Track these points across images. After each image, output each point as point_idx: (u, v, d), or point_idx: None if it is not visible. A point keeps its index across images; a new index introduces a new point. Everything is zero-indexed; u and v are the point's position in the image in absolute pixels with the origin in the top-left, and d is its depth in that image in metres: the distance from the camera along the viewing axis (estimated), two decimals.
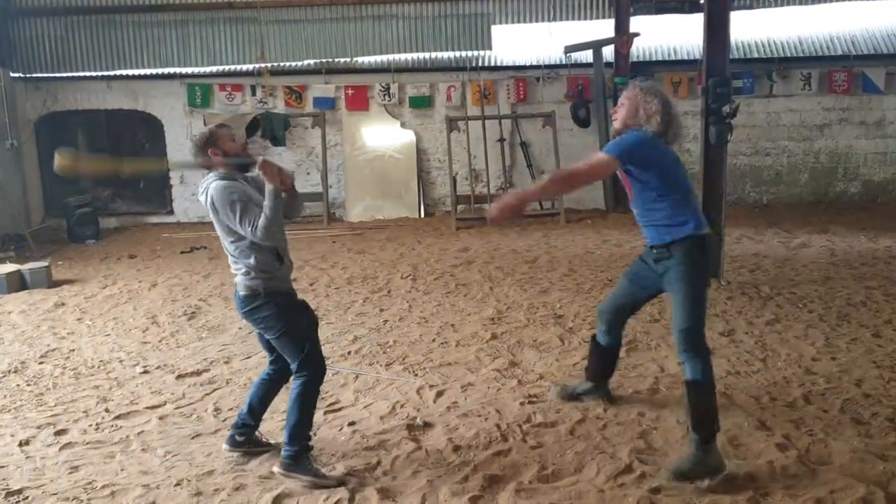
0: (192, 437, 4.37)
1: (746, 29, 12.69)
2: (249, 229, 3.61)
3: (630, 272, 4.28)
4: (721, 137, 7.24)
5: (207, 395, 5.05)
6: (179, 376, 5.41)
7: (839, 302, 6.73)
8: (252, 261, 3.72)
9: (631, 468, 3.75)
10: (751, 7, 13.08)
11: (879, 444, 3.91)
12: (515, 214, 3.76)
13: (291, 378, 3.86)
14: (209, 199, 3.71)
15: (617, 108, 4.02)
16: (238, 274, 3.80)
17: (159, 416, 4.70)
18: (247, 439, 4.07)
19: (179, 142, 13.17)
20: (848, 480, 3.52)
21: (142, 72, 13.13)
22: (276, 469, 3.79)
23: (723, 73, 7.26)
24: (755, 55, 12.83)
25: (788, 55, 12.73)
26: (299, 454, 3.75)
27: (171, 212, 13.45)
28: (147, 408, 4.84)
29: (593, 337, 4.56)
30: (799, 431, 4.10)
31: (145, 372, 5.53)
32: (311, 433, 3.86)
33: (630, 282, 4.25)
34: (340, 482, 3.70)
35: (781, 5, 13.07)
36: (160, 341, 6.32)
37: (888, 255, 8.75)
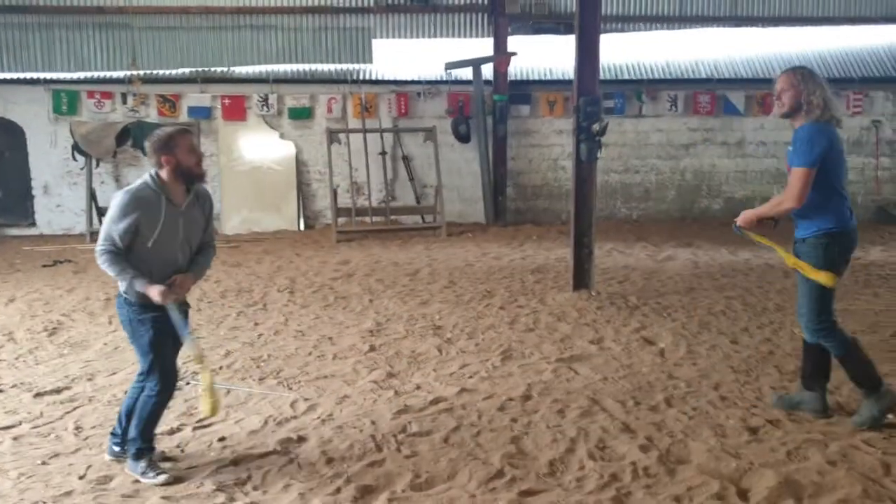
0: (50, 458, 4.12)
1: (617, 51, 13.31)
2: (99, 246, 3.75)
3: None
4: (591, 154, 7.53)
5: (68, 413, 4.78)
6: (37, 394, 5.09)
7: (701, 311, 7.12)
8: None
9: (502, 473, 3.82)
10: (621, 30, 13.75)
11: (733, 443, 4.15)
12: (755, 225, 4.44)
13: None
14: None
15: (777, 97, 4.27)
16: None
17: (13, 436, 4.41)
18: (122, 450, 4.05)
19: (43, 150, 12.51)
20: (704, 478, 3.72)
21: (1, 76, 12.34)
22: (108, 455, 4.05)
23: (593, 92, 7.58)
24: (625, 76, 13.46)
25: (656, 77, 13.44)
26: (142, 453, 3.88)
27: (34, 223, 12.69)
28: (0, 428, 4.52)
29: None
30: (660, 433, 4.30)
31: None
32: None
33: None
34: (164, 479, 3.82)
35: (650, 29, 13.81)
36: (17, 358, 5.94)
37: (747, 267, 9.35)
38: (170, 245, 3.82)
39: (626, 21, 13.74)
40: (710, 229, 12.50)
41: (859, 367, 4.38)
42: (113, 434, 4.09)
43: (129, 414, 3.99)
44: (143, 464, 3.84)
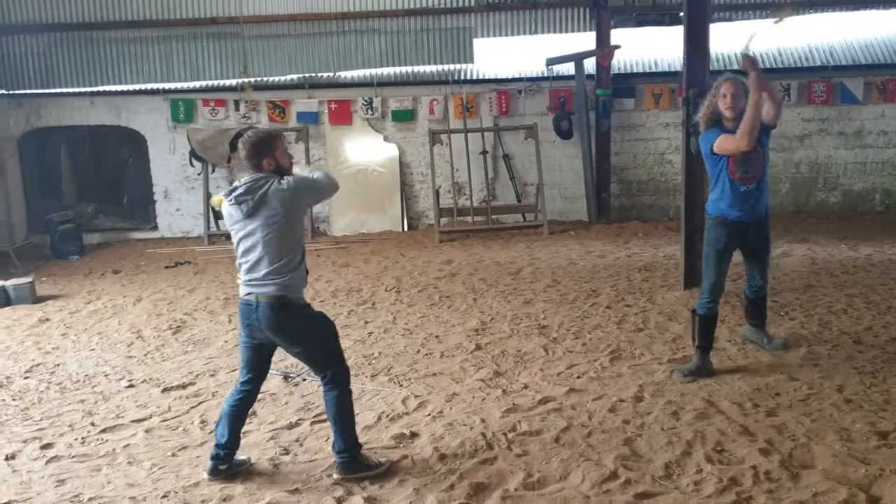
0: (179, 450, 4.37)
1: (726, 41, 12.86)
2: (322, 176, 3.92)
3: (720, 248, 5.16)
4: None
5: (193, 407, 5.05)
6: (165, 389, 5.41)
7: (821, 310, 6.80)
8: (293, 268, 3.82)
9: (616, 475, 3.78)
10: (730, 19, 13.28)
11: (861, 447, 3.96)
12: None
13: (322, 389, 4.02)
14: (281, 197, 3.72)
15: (732, 99, 4.88)
16: (272, 284, 3.78)
17: (145, 429, 4.70)
18: (228, 466, 4.02)
19: (163, 157, 13.16)
20: (831, 483, 3.58)
21: (125, 87, 13.09)
22: (336, 476, 3.90)
23: (703, 84, 7.36)
24: (735, 67, 12.98)
25: (768, 66, 12.89)
26: (354, 456, 3.92)
27: (155, 227, 13.39)
28: (133, 421, 4.83)
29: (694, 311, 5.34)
30: (782, 437, 4.15)
31: (130, 386, 5.51)
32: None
33: (725, 254, 5.20)
34: (388, 463, 4.00)
35: (759, 17, 13.28)
36: (145, 355, 6.31)
37: (868, 263, 8.84)
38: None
39: (735, 9, 13.24)
40: (827, 223, 11.92)
41: None
42: (216, 458, 4.01)
43: (232, 434, 4.02)
44: (364, 459, 3.97)
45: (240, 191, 3.77)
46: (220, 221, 12.74)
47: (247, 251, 3.83)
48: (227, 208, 3.84)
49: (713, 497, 3.50)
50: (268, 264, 3.78)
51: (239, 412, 4.04)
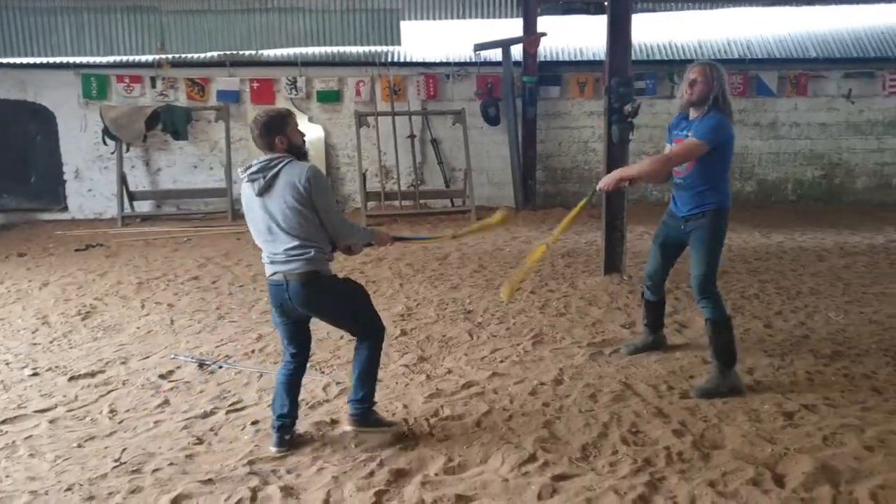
0: (86, 441, 4.17)
1: (648, 31, 13.11)
2: (344, 227, 3.89)
3: (659, 238, 5.13)
4: (623, 136, 7.43)
5: (102, 396, 4.84)
6: (72, 378, 5.16)
7: (734, 295, 7.03)
8: (318, 242, 3.82)
9: (535, 457, 3.80)
10: (652, 10, 13.53)
11: (768, 428, 4.09)
12: (617, 185, 4.75)
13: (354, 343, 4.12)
14: (303, 179, 3.72)
15: (690, 85, 4.67)
16: (296, 259, 3.79)
17: (49, 419, 4.47)
18: (291, 437, 4.03)
19: (74, 135, 12.63)
20: (739, 463, 3.67)
21: (32, 60, 12.46)
22: (349, 428, 4.05)
23: (625, 73, 7.46)
24: (657, 57, 13.25)
25: (689, 57, 13.20)
26: (370, 409, 4.05)
27: (66, 208, 12.85)
28: (36, 411, 4.59)
29: (643, 296, 5.41)
30: (694, 418, 4.25)
31: (35, 374, 5.25)
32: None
33: (662, 245, 5.13)
34: (397, 427, 4.13)
35: (681, 9, 13.57)
36: (51, 342, 6.02)
37: (780, 250, 9.22)
38: None
39: (658, 0, 13.51)
40: (743, 212, 12.31)
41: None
42: (281, 428, 4.01)
43: (293, 405, 4.06)
44: (377, 416, 4.11)
45: (253, 169, 3.83)
46: (133, 203, 12.32)
47: (265, 230, 3.85)
48: (243, 185, 3.90)
49: (627, 478, 3.55)
50: (287, 241, 3.80)
51: (293, 380, 4.07)
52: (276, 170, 3.76)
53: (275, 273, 3.86)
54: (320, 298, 3.89)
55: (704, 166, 4.61)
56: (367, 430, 4.02)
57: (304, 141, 3.97)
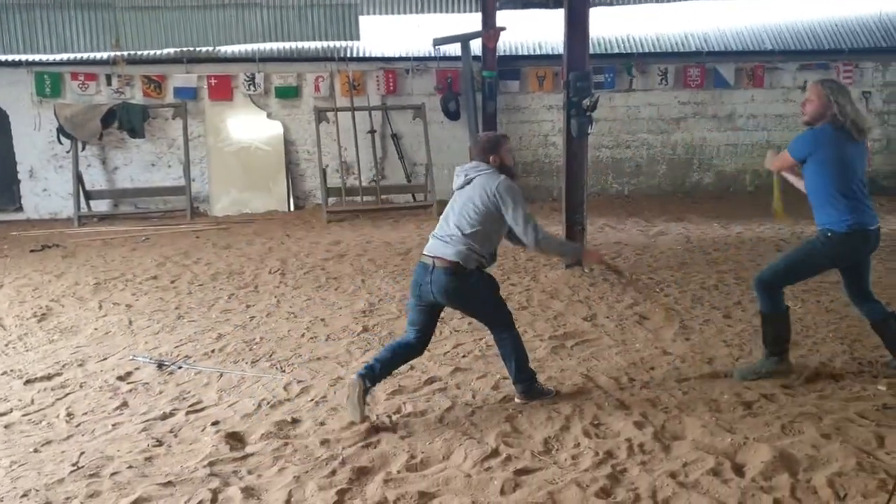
0: (42, 445, 4.08)
1: (606, 25, 13.20)
2: (530, 231, 4.22)
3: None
4: (582, 130, 7.48)
5: (59, 399, 4.74)
6: (28, 381, 5.05)
7: (693, 286, 7.12)
8: (479, 247, 4.20)
9: (497, 452, 3.81)
10: (610, 4, 13.62)
11: (728, 417, 4.15)
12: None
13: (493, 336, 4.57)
14: (495, 188, 4.21)
15: (802, 104, 4.59)
16: (449, 246, 4.18)
17: (4, 424, 4.37)
18: (373, 383, 4.26)
19: (27, 133, 12.36)
20: (699, 453, 3.71)
21: None
22: (518, 400, 4.45)
23: (583, 67, 7.51)
24: (615, 51, 13.35)
25: (646, 51, 13.33)
26: (533, 383, 4.47)
27: (20, 208, 12.57)
28: None
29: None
30: (655, 409, 4.29)
31: None
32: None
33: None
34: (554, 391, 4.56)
35: (639, 2, 13.69)
36: (6, 345, 5.89)
37: (738, 240, 9.35)
38: None
39: None
40: (702, 203, 12.50)
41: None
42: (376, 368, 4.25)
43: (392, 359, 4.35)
44: (541, 385, 4.54)
45: (464, 167, 4.44)
46: (90, 202, 12.10)
47: (445, 216, 4.35)
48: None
49: (590, 470, 3.58)
50: (454, 228, 4.22)
51: (400, 353, 4.36)
52: (474, 176, 4.33)
53: (427, 255, 4.26)
54: (459, 290, 4.24)
55: (808, 181, 4.66)
56: (534, 401, 4.41)
57: (514, 163, 4.57)
